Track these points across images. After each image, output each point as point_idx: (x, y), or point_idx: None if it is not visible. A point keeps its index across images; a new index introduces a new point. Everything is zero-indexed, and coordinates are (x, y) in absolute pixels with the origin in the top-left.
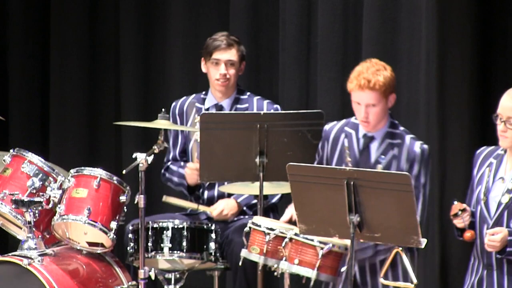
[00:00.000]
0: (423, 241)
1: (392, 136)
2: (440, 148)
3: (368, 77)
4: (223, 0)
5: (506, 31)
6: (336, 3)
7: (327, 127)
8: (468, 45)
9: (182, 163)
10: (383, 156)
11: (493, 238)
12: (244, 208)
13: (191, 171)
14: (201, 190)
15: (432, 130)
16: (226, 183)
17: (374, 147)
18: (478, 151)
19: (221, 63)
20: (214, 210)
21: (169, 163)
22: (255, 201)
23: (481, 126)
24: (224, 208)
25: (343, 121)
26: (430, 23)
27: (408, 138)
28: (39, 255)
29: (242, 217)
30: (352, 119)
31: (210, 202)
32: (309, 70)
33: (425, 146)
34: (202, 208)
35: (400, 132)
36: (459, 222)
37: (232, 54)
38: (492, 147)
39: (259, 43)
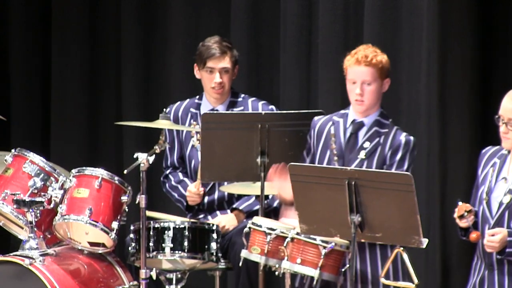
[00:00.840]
0: (425, 241)
1: (380, 124)
2: (441, 148)
3: (365, 53)
4: (224, 1)
5: (507, 31)
6: (337, 3)
7: (316, 118)
8: (469, 45)
9: (181, 175)
10: (368, 142)
11: (492, 239)
12: (246, 216)
13: (191, 195)
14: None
15: (433, 130)
16: (226, 183)
17: (361, 133)
18: (484, 150)
19: (216, 71)
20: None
21: (168, 170)
22: (258, 207)
23: (482, 126)
24: (224, 224)
25: (333, 113)
26: (431, 23)
27: (395, 128)
28: (41, 255)
29: (245, 220)
30: (341, 111)
31: (211, 207)
32: (310, 70)
33: (411, 137)
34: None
35: (388, 123)
36: (463, 223)
37: (226, 62)
38: (497, 147)
39: (259, 43)
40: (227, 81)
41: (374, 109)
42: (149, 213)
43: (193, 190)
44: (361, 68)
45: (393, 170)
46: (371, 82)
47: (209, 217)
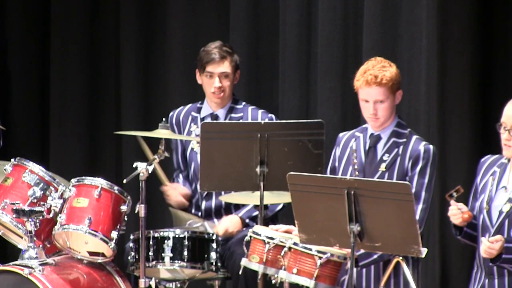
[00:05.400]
0: (424, 250)
1: (398, 135)
2: (440, 156)
3: (374, 73)
4: (223, 10)
5: (507, 40)
6: (337, 12)
7: (341, 134)
8: (469, 54)
9: (181, 180)
10: (387, 154)
11: (492, 246)
12: (247, 220)
13: (167, 195)
14: (199, 201)
15: (432, 139)
16: (223, 192)
17: (380, 146)
18: (483, 159)
19: (215, 76)
20: (219, 230)
21: (175, 173)
22: (256, 212)
23: (481, 135)
24: (228, 226)
25: (357, 128)
26: (430, 32)
27: (414, 137)
28: (40, 265)
29: (245, 229)
30: (364, 125)
31: (208, 213)
32: (309, 79)
33: (430, 146)
34: (206, 225)
35: (407, 132)
36: (456, 219)
37: (225, 67)
38: (496, 156)
39: (259, 52)
40: (227, 86)
41: (390, 120)
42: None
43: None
44: (372, 90)
45: (414, 183)
46: (384, 100)
47: (215, 220)
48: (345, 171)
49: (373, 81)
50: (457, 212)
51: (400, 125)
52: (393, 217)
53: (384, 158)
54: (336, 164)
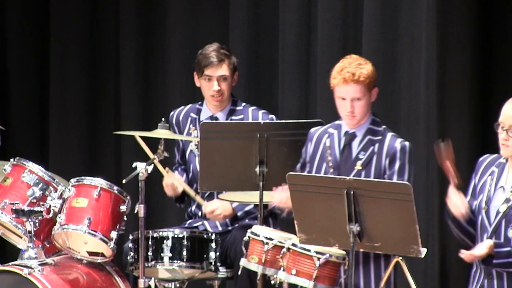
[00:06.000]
0: (423, 251)
1: (373, 132)
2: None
3: (351, 71)
4: (223, 11)
5: (506, 41)
6: (336, 12)
7: (312, 130)
8: (468, 54)
9: (177, 173)
10: (363, 152)
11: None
12: (239, 214)
13: (165, 185)
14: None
15: (432, 139)
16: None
17: (355, 144)
18: (481, 158)
19: (214, 79)
20: (207, 206)
21: (174, 167)
22: (249, 207)
23: (481, 135)
24: (218, 207)
25: (329, 124)
26: (430, 33)
27: (389, 135)
28: (39, 265)
29: (241, 222)
30: (336, 121)
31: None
32: (309, 79)
33: (406, 142)
34: (198, 198)
35: (382, 129)
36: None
37: (224, 70)
38: (495, 155)
39: (258, 52)
40: (226, 89)
41: (365, 118)
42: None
43: (164, 179)
44: (349, 87)
45: (394, 180)
46: (361, 97)
47: (205, 202)
48: (319, 168)
49: (350, 78)
50: (456, 203)
51: (375, 123)
52: (392, 217)
53: (360, 156)
54: (308, 159)
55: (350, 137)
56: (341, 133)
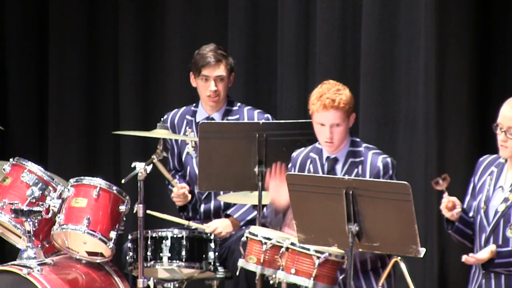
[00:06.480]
0: (422, 250)
1: (354, 154)
2: (438, 157)
3: (331, 97)
4: (222, 11)
5: (505, 41)
6: (335, 13)
7: (294, 154)
8: (467, 54)
9: (177, 179)
10: (347, 176)
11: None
12: (241, 223)
13: (175, 196)
14: (198, 204)
15: (430, 140)
16: (221, 192)
17: (339, 168)
18: (481, 159)
19: (211, 79)
20: (208, 228)
21: (171, 173)
22: (252, 215)
23: (480, 135)
24: (218, 226)
25: (310, 147)
26: (428, 33)
27: (370, 154)
28: (39, 265)
29: (244, 228)
30: (317, 144)
31: (207, 215)
32: (308, 79)
33: (388, 159)
34: (193, 225)
35: (362, 149)
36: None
37: (221, 70)
38: (495, 156)
39: (257, 52)
40: (222, 89)
41: (344, 143)
42: (152, 213)
43: (175, 192)
44: (329, 113)
45: None
46: (340, 123)
47: (204, 225)
48: None
49: (330, 104)
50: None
51: (354, 144)
52: (391, 217)
53: None
54: None
55: (333, 162)
56: (322, 159)
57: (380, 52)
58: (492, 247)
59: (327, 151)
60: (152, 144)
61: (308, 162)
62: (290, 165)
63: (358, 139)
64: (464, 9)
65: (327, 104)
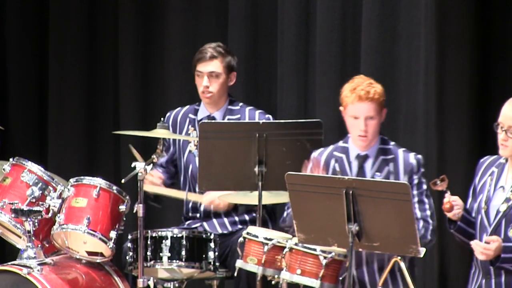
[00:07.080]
0: (422, 250)
1: (384, 152)
2: (438, 156)
3: (365, 89)
4: (222, 11)
5: (505, 40)
6: (335, 12)
7: (315, 153)
8: (467, 53)
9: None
10: (378, 173)
11: (488, 246)
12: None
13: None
14: (198, 203)
15: (430, 139)
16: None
17: (368, 166)
18: (482, 160)
19: (204, 75)
20: (205, 198)
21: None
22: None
23: (480, 135)
24: (215, 198)
25: (331, 147)
26: (429, 32)
27: (400, 152)
28: (39, 264)
29: (242, 227)
30: (340, 143)
31: (207, 214)
32: (308, 79)
33: (419, 156)
34: (190, 196)
35: (392, 147)
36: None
37: (215, 66)
38: (495, 156)
39: (257, 52)
40: (216, 86)
41: (375, 139)
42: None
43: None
44: (364, 105)
45: (415, 193)
46: (374, 116)
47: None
48: None
49: (365, 96)
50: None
51: (384, 141)
52: (391, 217)
53: (376, 177)
54: None
55: (362, 159)
56: (350, 157)
57: (380, 52)
58: (496, 237)
59: (359, 147)
60: (152, 144)
61: (333, 161)
62: (310, 165)
63: (386, 137)
64: (464, 9)
65: (362, 95)
